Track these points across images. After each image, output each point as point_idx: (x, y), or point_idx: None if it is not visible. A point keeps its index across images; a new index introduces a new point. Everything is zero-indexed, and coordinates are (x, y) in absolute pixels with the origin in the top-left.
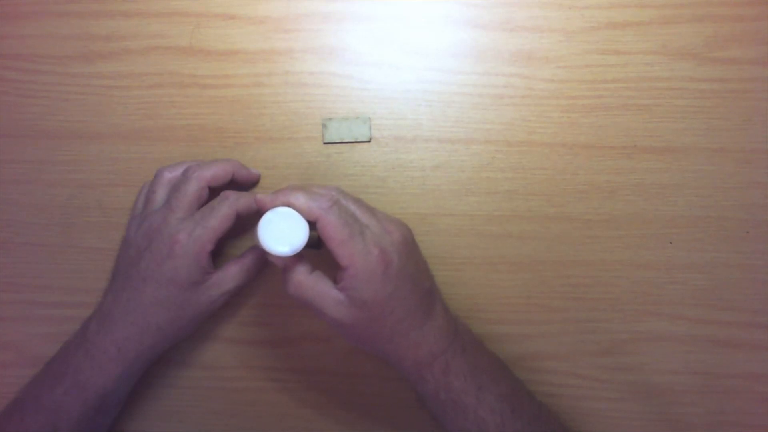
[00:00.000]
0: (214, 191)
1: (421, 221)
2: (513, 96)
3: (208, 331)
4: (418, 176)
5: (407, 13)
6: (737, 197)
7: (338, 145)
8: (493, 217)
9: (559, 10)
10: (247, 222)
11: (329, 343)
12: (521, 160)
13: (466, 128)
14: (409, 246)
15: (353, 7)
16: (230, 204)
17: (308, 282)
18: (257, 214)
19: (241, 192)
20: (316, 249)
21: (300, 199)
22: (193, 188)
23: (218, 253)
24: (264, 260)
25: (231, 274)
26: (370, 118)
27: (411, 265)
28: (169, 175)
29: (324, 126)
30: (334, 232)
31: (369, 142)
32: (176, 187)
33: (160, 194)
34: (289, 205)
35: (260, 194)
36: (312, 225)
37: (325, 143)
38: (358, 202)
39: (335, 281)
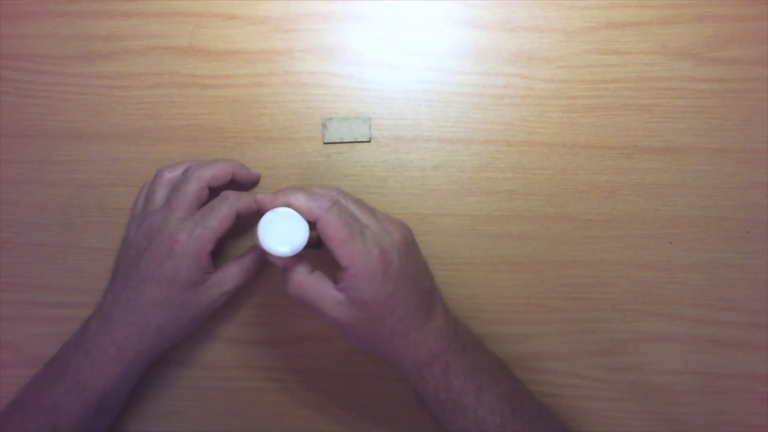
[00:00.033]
0: (214, 191)
1: (421, 221)
2: (513, 96)
3: (208, 331)
4: (418, 176)
5: (407, 13)
6: (737, 197)
7: (338, 145)
8: (493, 217)
9: (559, 10)
10: (247, 222)
11: (329, 343)
12: (521, 160)
13: (466, 128)
14: (409, 246)
15: (353, 7)
16: (230, 204)
17: (308, 282)
18: (257, 214)
19: (241, 192)
20: (316, 249)
21: (300, 199)
22: (193, 188)
23: (218, 253)
24: (264, 260)
25: (231, 274)
26: (370, 118)
27: (411, 265)
28: (169, 175)
29: (324, 126)
30: (334, 232)
31: (369, 142)
32: (176, 187)
33: (160, 194)
34: (289, 206)
35: (260, 194)
36: (312, 225)
37: (325, 143)
38: (358, 202)
39: (335, 281)
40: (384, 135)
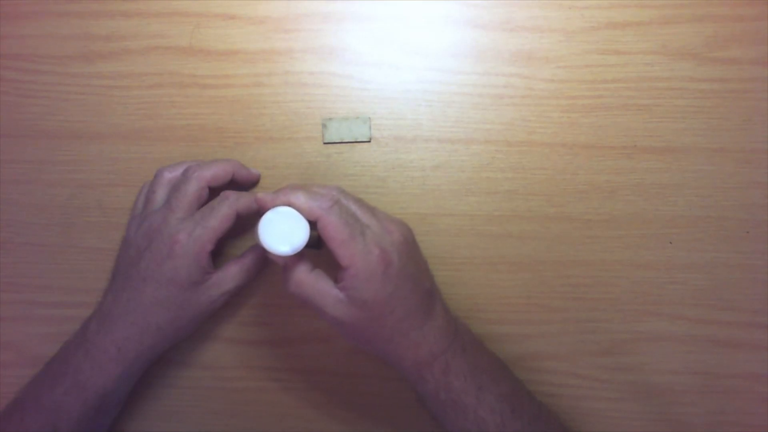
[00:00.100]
0: (214, 191)
1: (421, 221)
2: (513, 96)
3: (208, 331)
4: (418, 176)
5: (407, 13)
6: (737, 197)
7: (338, 145)
8: (493, 217)
9: (559, 10)
10: (247, 222)
11: (329, 343)
12: (521, 160)
13: (466, 128)
14: (410, 246)
15: (353, 7)
16: (230, 204)
17: (308, 280)
18: (257, 214)
19: (241, 192)
20: (317, 249)
21: (301, 198)
22: (193, 188)
23: (218, 253)
24: (264, 260)
25: (231, 274)
26: (370, 118)
27: (411, 265)
28: (169, 175)
29: (324, 126)
30: (335, 231)
31: (369, 142)
32: (176, 187)
33: (160, 194)
34: (289, 205)
35: (261, 193)
36: (312, 225)
37: (325, 143)
38: (358, 201)
39: (336, 281)
40: (384, 135)
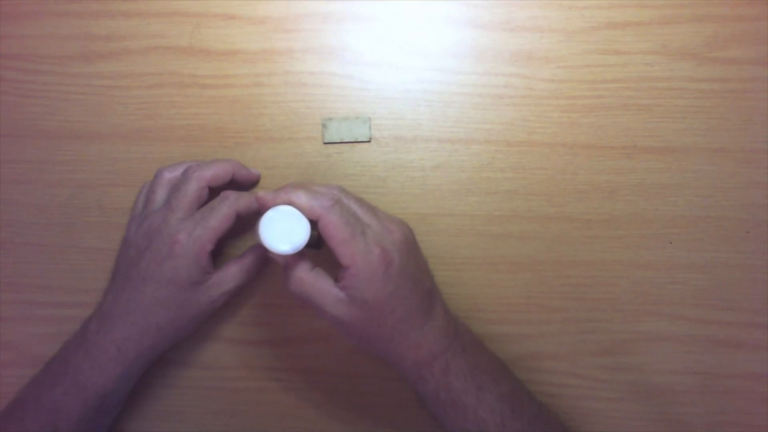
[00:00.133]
0: (214, 191)
1: (421, 221)
2: (513, 96)
3: (208, 331)
4: (418, 176)
5: (407, 13)
6: (737, 197)
7: (338, 145)
8: (493, 217)
9: (559, 10)
10: (247, 222)
11: (329, 343)
12: (521, 160)
13: (466, 128)
14: (410, 245)
15: (353, 7)
16: (230, 204)
17: (309, 279)
18: (257, 213)
19: (241, 192)
20: (317, 249)
21: (301, 197)
22: (193, 188)
23: (218, 253)
24: (264, 260)
25: (231, 274)
26: (370, 118)
27: (412, 264)
28: (169, 175)
29: (324, 126)
30: (336, 231)
31: (369, 142)
32: (176, 187)
33: (160, 194)
34: (290, 204)
35: (261, 192)
36: (313, 224)
37: (325, 143)
38: (359, 201)
39: (336, 280)
40: (384, 135)
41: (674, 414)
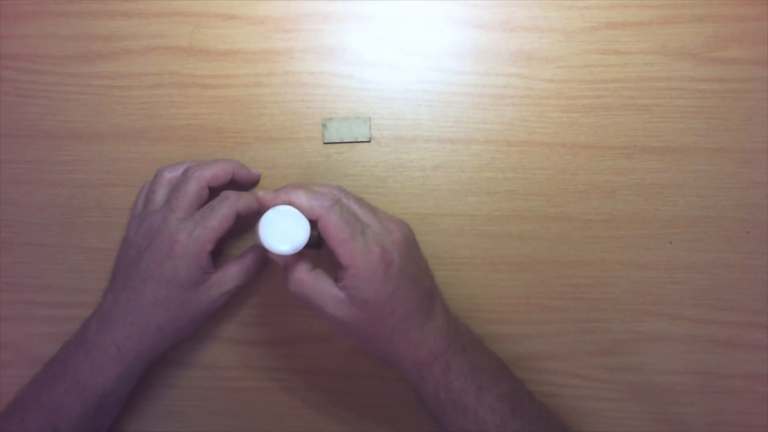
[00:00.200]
0: (214, 191)
1: (421, 221)
2: (513, 96)
3: (208, 331)
4: (418, 176)
5: (407, 13)
6: (737, 197)
7: (338, 145)
8: (493, 217)
9: (559, 10)
10: (247, 222)
11: (329, 343)
12: (521, 160)
13: (466, 128)
14: (410, 245)
15: (353, 7)
16: (230, 204)
17: (309, 279)
18: (257, 213)
19: (241, 192)
20: (317, 249)
21: (301, 197)
22: (193, 188)
23: (218, 253)
24: (264, 260)
25: (231, 274)
26: (370, 118)
27: (412, 264)
28: (169, 175)
29: (324, 126)
30: (336, 231)
31: (369, 142)
32: (176, 187)
33: (160, 194)
34: (290, 204)
35: (261, 192)
36: (313, 224)
37: (325, 143)
38: (359, 201)
39: (336, 280)
40: (384, 135)
41: (674, 414)
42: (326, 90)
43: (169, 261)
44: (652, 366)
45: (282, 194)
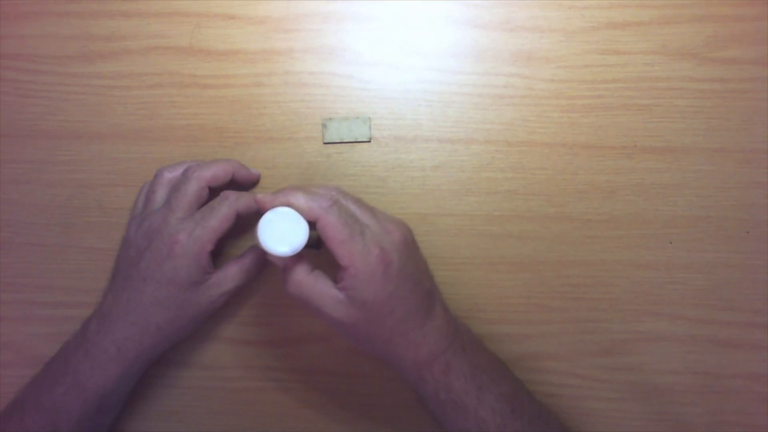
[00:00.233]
0: (214, 191)
1: (421, 221)
2: (513, 96)
3: (208, 331)
4: (418, 176)
5: (407, 13)
6: (737, 197)
7: (338, 145)
8: (493, 217)
9: (559, 10)
10: (247, 222)
11: (329, 343)
12: (521, 160)
13: (466, 128)
14: (410, 246)
15: (353, 7)
16: (230, 204)
17: (308, 281)
18: (257, 214)
19: (241, 192)
20: (316, 249)
21: (300, 199)
22: (193, 188)
23: (218, 253)
24: (264, 260)
25: (231, 274)
26: (370, 118)
27: (411, 264)
28: (169, 175)
29: (324, 126)
30: (334, 231)
31: (369, 142)
32: (176, 187)
33: (160, 194)
34: (289, 205)
35: (260, 194)
36: (312, 225)
37: (325, 143)
38: (358, 201)
39: (335, 281)
40: (384, 135)
41: (674, 414)
42: (326, 90)
43: (169, 261)
44: (652, 366)
45: (280, 196)
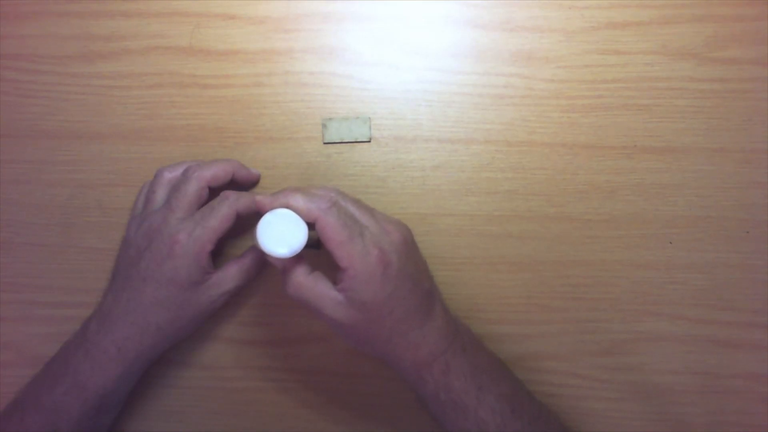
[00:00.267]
0: (214, 191)
1: (421, 221)
2: (513, 96)
3: (208, 331)
4: (418, 176)
5: (407, 13)
6: (737, 197)
7: (338, 145)
8: (493, 217)
9: (559, 10)
10: (247, 222)
11: (329, 343)
12: (521, 160)
13: (466, 128)
14: (409, 246)
15: (353, 7)
16: (230, 204)
17: (307, 282)
18: (257, 214)
19: (241, 192)
20: (316, 249)
21: (299, 200)
22: (193, 188)
23: (218, 253)
24: (264, 261)
25: (231, 274)
26: (370, 118)
27: (410, 265)
28: (169, 175)
29: (324, 126)
30: (333, 233)
31: (369, 142)
32: (176, 187)
33: (160, 194)
34: (287, 207)
35: (259, 195)
36: (311, 226)
37: (325, 143)
38: (357, 202)
39: (335, 282)
40: (384, 135)
41: (674, 414)
42: (326, 90)
43: (169, 261)
44: (652, 366)
45: (279, 197)
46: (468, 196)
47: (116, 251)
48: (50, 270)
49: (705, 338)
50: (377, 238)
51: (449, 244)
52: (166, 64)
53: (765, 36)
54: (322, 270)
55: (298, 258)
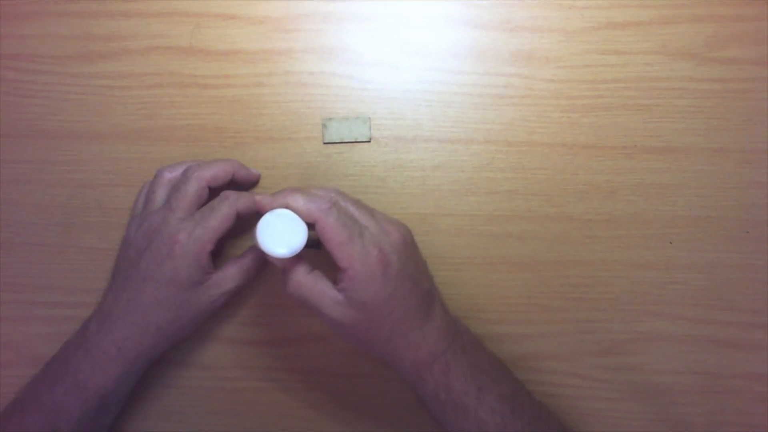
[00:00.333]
0: (214, 191)
1: (421, 221)
2: (513, 96)
3: (208, 331)
4: (418, 176)
5: (407, 13)
6: (737, 197)
7: (338, 145)
8: (493, 217)
9: (559, 10)
10: (247, 222)
11: (329, 343)
12: (521, 160)
13: (466, 128)
14: (409, 246)
15: (353, 7)
16: (230, 204)
17: (307, 282)
18: (257, 214)
19: (241, 192)
20: (317, 249)
21: (299, 200)
22: (193, 188)
23: (218, 253)
24: (264, 261)
25: (231, 274)
26: (370, 118)
27: (410, 265)
28: (169, 175)
29: (324, 126)
30: (333, 233)
31: (369, 142)
32: (176, 187)
33: (160, 194)
34: (287, 207)
35: (259, 196)
36: (311, 226)
37: (325, 143)
38: (356, 203)
39: (335, 282)
40: (384, 135)
41: (674, 414)
42: (326, 90)
43: (169, 261)
44: (652, 366)
45: (279, 197)
46: (468, 196)
47: (116, 251)
48: (50, 270)
49: (705, 338)
50: (377, 238)
51: (449, 244)
52: (166, 64)
53: (765, 36)
54: (322, 270)
55: (298, 257)
